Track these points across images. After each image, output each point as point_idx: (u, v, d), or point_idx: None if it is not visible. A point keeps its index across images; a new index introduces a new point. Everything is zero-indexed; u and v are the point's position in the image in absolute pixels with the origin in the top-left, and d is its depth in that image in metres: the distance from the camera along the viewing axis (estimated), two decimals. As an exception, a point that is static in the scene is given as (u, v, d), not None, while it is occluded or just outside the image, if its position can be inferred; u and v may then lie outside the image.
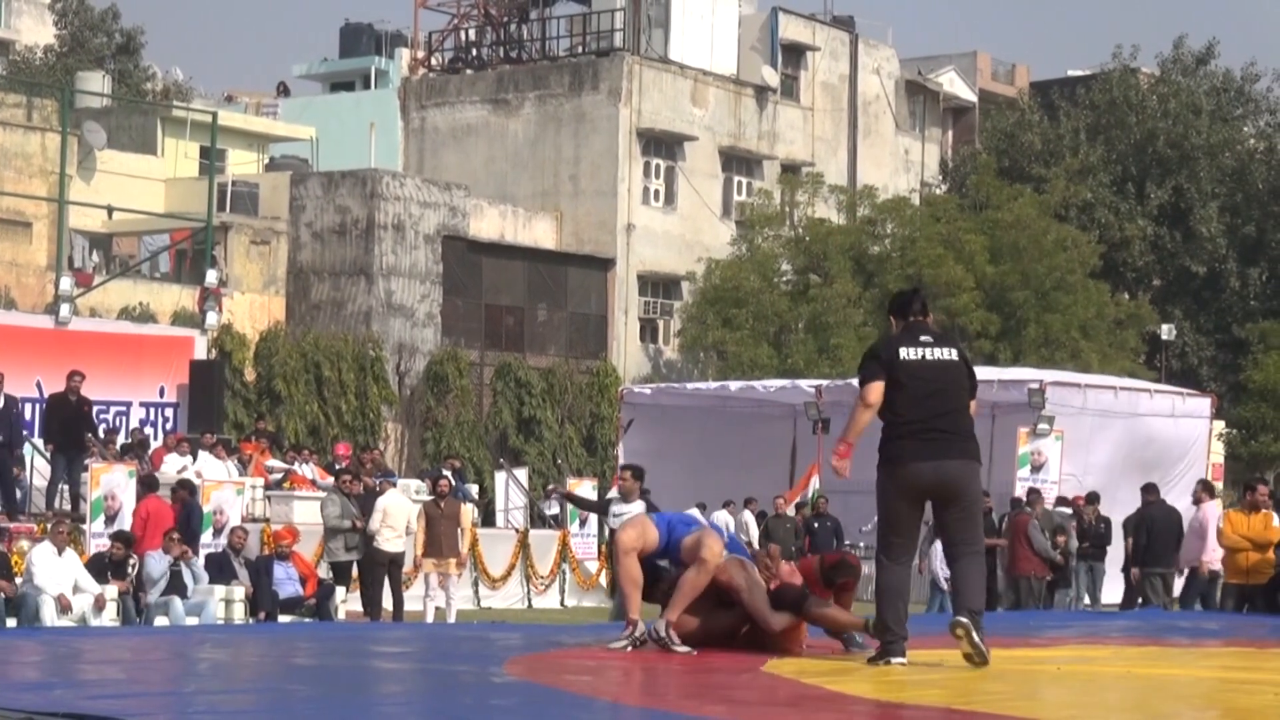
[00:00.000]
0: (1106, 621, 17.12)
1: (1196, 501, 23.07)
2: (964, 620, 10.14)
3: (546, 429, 43.54)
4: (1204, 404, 32.70)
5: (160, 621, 19.75)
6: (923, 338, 10.33)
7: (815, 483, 31.13)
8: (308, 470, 29.55)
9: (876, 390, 10.18)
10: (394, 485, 23.99)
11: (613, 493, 29.85)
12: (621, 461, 34.37)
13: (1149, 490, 24.11)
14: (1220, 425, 38.99)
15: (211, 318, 32.93)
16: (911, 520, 10.47)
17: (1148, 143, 53.59)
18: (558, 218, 48.46)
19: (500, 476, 34.53)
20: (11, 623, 19.00)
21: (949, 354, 10.36)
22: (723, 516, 30.24)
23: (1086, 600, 26.04)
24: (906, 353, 10.25)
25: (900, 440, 10.23)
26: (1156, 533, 23.16)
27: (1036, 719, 8.48)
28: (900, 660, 10.20)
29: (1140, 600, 23.56)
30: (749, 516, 31.81)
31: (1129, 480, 27.80)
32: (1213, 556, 21.51)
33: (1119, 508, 26.33)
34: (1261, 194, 53.51)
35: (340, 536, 22.72)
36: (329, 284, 43.09)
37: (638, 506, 17.23)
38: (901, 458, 10.24)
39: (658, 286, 49.62)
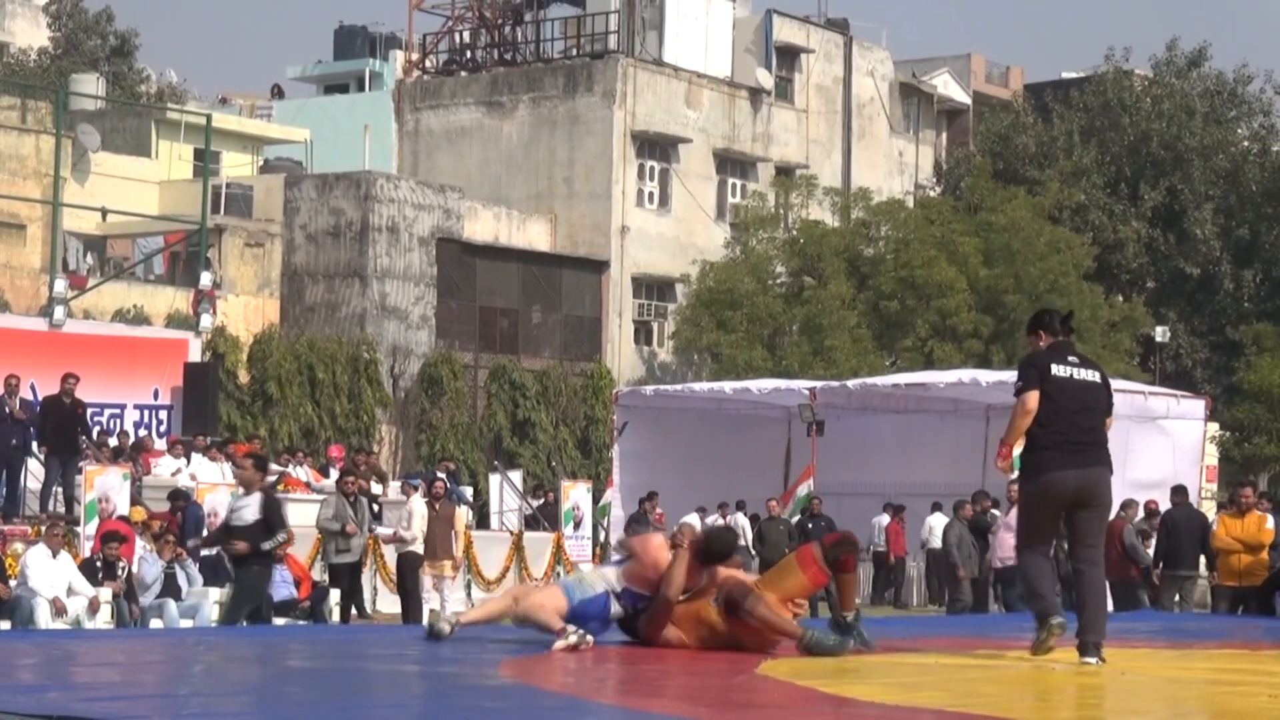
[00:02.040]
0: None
1: (1012, 502, 22.71)
2: (1091, 661, 10.73)
3: (541, 431, 43.54)
4: (1198, 406, 32.68)
5: (155, 624, 19.74)
6: (1070, 357, 10.97)
7: (810, 485, 31.13)
8: (302, 473, 29.53)
9: (1035, 397, 10.74)
10: (415, 489, 24.07)
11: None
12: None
13: (1177, 493, 23.84)
14: (1214, 427, 38.96)
15: (206, 320, 32.92)
16: (1053, 523, 11.06)
17: (1141, 145, 53.62)
18: (552, 220, 48.46)
19: (495, 479, 34.53)
20: (5, 625, 18.99)
21: (1094, 375, 11.04)
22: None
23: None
24: (1058, 369, 10.85)
25: (1046, 450, 10.77)
26: (1176, 536, 22.76)
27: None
28: (1059, 619, 10.77)
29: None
30: (744, 520, 31.78)
31: (1122, 483, 27.76)
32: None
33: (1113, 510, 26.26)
34: (1255, 196, 53.53)
35: (332, 539, 22.71)
36: (323, 286, 43.08)
37: (255, 499, 16.11)
38: (1047, 467, 10.78)
39: (652, 289, 49.63)
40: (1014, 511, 22.11)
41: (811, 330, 45.18)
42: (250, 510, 16.00)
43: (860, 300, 45.99)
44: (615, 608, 11.16)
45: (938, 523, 31.32)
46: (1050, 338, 11.05)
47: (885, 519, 33.29)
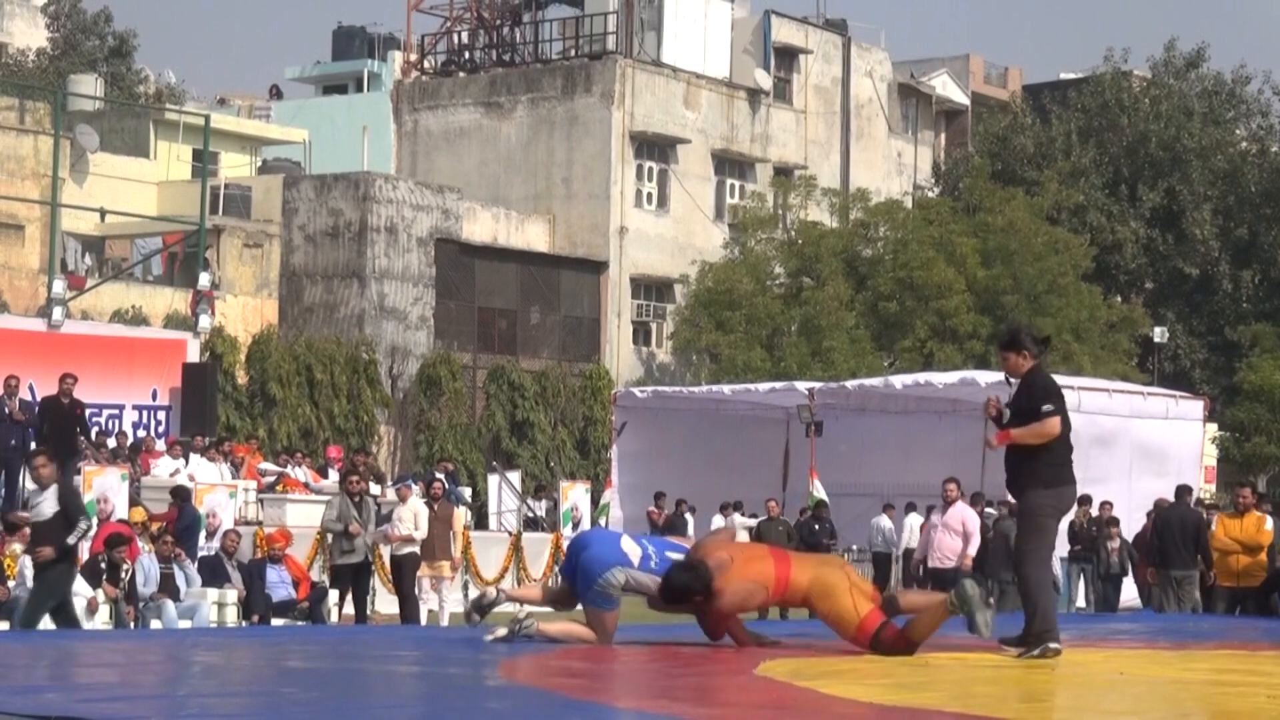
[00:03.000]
0: (1100, 624, 17.12)
1: (949, 502, 22.70)
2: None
3: (539, 432, 43.53)
4: (1197, 407, 32.71)
5: (153, 624, 19.74)
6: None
7: (819, 488, 31.10)
8: (300, 473, 29.52)
9: (1059, 424, 11.31)
10: (409, 489, 24.07)
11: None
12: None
13: (1179, 493, 23.93)
14: (1213, 428, 38.94)
15: (204, 321, 32.91)
16: (1056, 530, 11.70)
17: (1139, 145, 53.64)
18: (550, 221, 48.46)
19: (493, 479, 34.53)
20: (4, 626, 18.97)
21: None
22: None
23: (1081, 603, 25.98)
24: (1067, 395, 11.68)
25: (1064, 466, 11.40)
26: (1168, 535, 22.71)
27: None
28: (1057, 646, 11.10)
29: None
30: (740, 520, 31.77)
31: (1122, 484, 27.78)
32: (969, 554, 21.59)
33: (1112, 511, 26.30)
34: (1253, 196, 53.55)
35: (336, 540, 22.65)
36: (322, 287, 43.08)
37: (51, 492, 15.91)
38: (1065, 480, 11.42)
39: (650, 289, 49.62)
40: (951, 511, 22.27)
41: (810, 331, 45.18)
42: (48, 504, 15.76)
43: (859, 301, 45.98)
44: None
45: (937, 523, 31.31)
46: (1032, 359, 11.46)
47: (885, 519, 33.26)
